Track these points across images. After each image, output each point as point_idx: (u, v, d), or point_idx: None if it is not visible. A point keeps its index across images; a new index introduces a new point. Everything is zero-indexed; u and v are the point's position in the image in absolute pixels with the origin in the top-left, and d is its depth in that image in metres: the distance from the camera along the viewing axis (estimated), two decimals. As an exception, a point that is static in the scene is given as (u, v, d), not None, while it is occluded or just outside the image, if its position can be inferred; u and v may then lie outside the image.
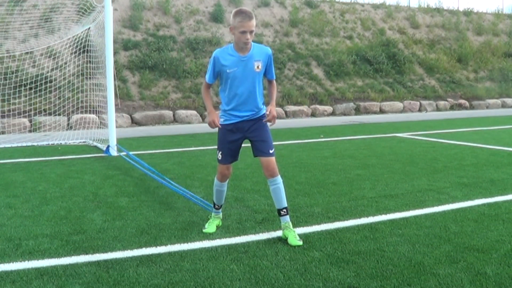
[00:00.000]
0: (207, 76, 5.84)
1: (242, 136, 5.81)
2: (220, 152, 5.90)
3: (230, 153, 5.89)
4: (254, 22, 5.49)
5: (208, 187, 8.22)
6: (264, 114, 5.77)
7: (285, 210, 5.70)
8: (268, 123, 5.79)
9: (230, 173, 6.04)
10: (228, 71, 5.61)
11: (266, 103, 5.85)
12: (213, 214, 6.24)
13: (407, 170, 9.68)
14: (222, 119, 5.84)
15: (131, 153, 11.28)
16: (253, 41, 5.64)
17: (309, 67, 27.05)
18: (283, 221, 5.68)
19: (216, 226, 6.09)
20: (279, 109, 22.99)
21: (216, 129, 5.89)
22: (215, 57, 5.65)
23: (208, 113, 5.93)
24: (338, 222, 6.32)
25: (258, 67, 5.63)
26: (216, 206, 6.19)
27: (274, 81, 6.00)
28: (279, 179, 5.71)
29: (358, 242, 5.52)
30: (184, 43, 25.55)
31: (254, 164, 9.87)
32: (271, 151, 5.73)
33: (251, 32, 5.44)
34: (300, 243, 5.43)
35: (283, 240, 5.60)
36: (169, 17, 26.76)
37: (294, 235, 5.53)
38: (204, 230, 5.99)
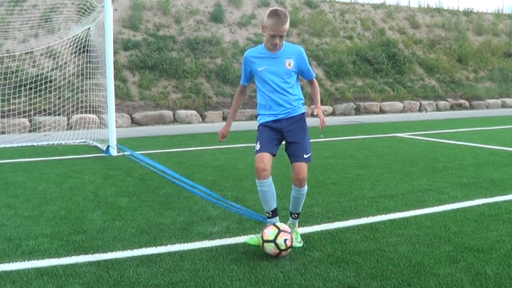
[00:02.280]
0: (241, 78, 5.71)
1: (280, 136, 5.48)
2: (259, 142, 5.40)
3: (268, 141, 5.40)
4: (287, 26, 5.25)
5: (208, 187, 8.23)
6: (304, 113, 5.54)
7: (297, 214, 5.63)
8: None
9: (266, 167, 5.28)
10: (259, 69, 5.42)
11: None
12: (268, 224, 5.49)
13: (407, 170, 9.69)
14: (260, 121, 5.58)
15: (133, 152, 11.28)
16: (285, 41, 5.46)
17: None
18: (291, 221, 5.62)
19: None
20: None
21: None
22: (245, 57, 5.52)
23: (227, 120, 5.87)
24: (338, 222, 6.32)
25: (289, 64, 5.39)
26: (267, 214, 5.47)
27: (315, 80, 5.79)
28: (305, 189, 5.46)
29: (358, 242, 5.51)
30: (184, 43, 25.55)
31: (254, 164, 9.84)
32: (305, 156, 5.38)
33: (281, 36, 5.25)
34: (300, 245, 5.38)
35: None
36: (169, 17, 26.75)
37: (296, 236, 5.45)
38: (247, 240, 5.40)
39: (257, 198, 7.48)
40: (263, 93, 5.49)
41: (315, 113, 5.53)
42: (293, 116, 5.46)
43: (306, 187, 5.46)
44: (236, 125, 18.57)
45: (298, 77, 5.60)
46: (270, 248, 4.97)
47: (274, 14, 5.22)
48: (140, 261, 5.04)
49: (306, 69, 5.57)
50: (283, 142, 5.54)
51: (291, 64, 5.41)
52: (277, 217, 5.45)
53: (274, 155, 5.42)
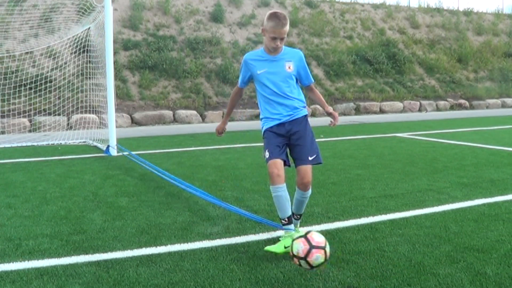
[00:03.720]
0: (239, 81, 5.69)
1: (285, 141, 5.43)
2: (267, 150, 5.34)
3: (277, 148, 5.33)
4: (287, 28, 5.24)
5: (208, 187, 8.24)
6: (306, 115, 5.51)
7: (299, 216, 5.65)
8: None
9: (280, 173, 5.23)
10: (258, 72, 5.39)
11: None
12: (284, 232, 5.36)
13: (407, 170, 9.69)
14: (264, 127, 5.52)
15: (132, 152, 11.28)
16: (284, 45, 5.44)
17: (309, 67, 26.99)
18: (293, 222, 5.49)
19: (284, 247, 5.08)
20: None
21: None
22: (245, 60, 5.49)
23: (223, 118, 5.95)
24: (338, 222, 6.32)
25: (289, 67, 5.38)
26: (283, 221, 5.29)
27: (313, 86, 5.71)
28: (309, 193, 5.43)
29: (358, 242, 5.52)
30: (184, 43, 25.55)
31: (254, 164, 9.88)
32: (310, 158, 5.36)
33: (282, 39, 5.23)
34: (279, 251, 5.08)
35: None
36: (169, 17, 26.76)
37: (282, 243, 5.14)
38: (265, 248, 5.21)
39: (257, 198, 7.51)
40: (264, 97, 5.46)
41: (329, 111, 5.57)
42: (296, 118, 5.42)
43: (310, 190, 5.43)
44: (236, 125, 18.61)
45: (298, 81, 5.57)
46: (304, 264, 4.56)
47: (274, 16, 5.20)
48: (140, 261, 5.04)
49: (304, 74, 5.53)
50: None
51: (291, 67, 5.39)
52: (292, 224, 5.32)
53: (285, 162, 5.35)
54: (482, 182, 8.52)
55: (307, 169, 5.33)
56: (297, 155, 5.39)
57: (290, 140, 5.41)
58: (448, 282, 4.44)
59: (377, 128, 18.03)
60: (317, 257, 4.48)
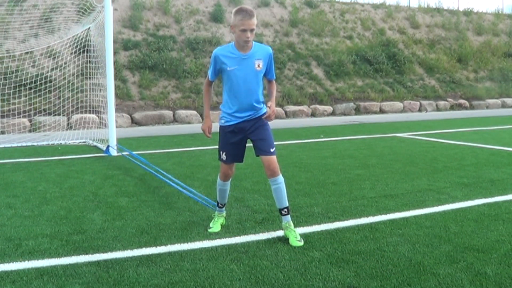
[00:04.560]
0: (209, 73, 5.82)
1: (244, 136, 5.78)
2: (224, 153, 5.88)
3: (234, 152, 5.87)
4: (255, 20, 5.44)
5: (208, 187, 8.24)
6: (264, 113, 5.70)
7: (286, 209, 5.67)
8: (268, 121, 5.74)
9: (233, 172, 6.07)
10: (228, 69, 5.57)
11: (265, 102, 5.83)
12: (216, 213, 6.24)
13: (407, 170, 9.69)
14: (222, 120, 5.82)
15: (132, 152, 11.28)
16: (254, 41, 5.62)
17: (309, 67, 27.05)
18: (284, 220, 5.67)
19: (221, 225, 6.11)
20: (279, 109, 23.01)
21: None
22: (215, 55, 5.62)
23: (204, 117, 5.96)
24: (338, 222, 6.32)
25: (259, 65, 5.59)
26: (220, 205, 6.20)
27: (274, 81, 5.97)
28: (280, 178, 5.66)
29: (358, 242, 5.52)
30: (184, 43, 25.56)
31: (254, 164, 9.87)
32: (272, 150, 5.67)
33: (251, 30, 5.40)
34: (301, 243, 5.41)
35: (283, 240, 5.61)
36: (169, 17, 26.76)
37: (295, 235, 5.52)
38: (209, 230, 5.99)
39: (257, 198, 7.52)
40: (230, 93, 5.69)
41: (268, 105, 5.68)
42: (256, 117, 5.72)
43: (281, 176, 5.71)
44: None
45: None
46: None
47: (241, 10, 5.46)
48: (140, 261, 5.04)
49: (270, 70, 5.79)
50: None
51: (260, 65, 5.62)
52: (224, 208, 6.29)
53: (238, 160, 5.98)
54: (482, 182, 8.52)
55: (270, 158, 5.66)
56: (260, 147, 5.71)
57: (250, 136, 5.76)
58: (448, 282, 4.44)
59: (377, 128, 18.02)
60: None
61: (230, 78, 5.62)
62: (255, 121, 5.73)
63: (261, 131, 5.72)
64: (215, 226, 6.06)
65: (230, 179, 6.12)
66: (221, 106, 5.88)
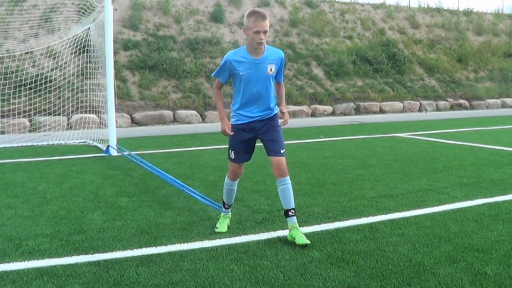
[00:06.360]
0: (218, 75, 5.80)
1: (254, 135, 5.81)
2: (233, 151, 5.89)
3: (244, 151, 5.90)
4: (268, 22, 5.48)
5: (209, 187, 8.25)
6: (276, 114, 5.80)
7: (293, 211, 5.65)
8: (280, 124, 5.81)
9: (242, 172, 6.07)
10: (241, 73, 5.59)
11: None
12: (222, 214, 6.24)
13: (407, 170, 9.69)
14: (233, 119, 5.84)
15: (132, 152, 11.28)
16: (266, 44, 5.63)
17: (309, 67, 27.06)
18: (290, 221, 5.62)
19: (227, 226, 6.09)
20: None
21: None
22: (227, 60, 5.61)
23: (220, 119, 5.90)
24: (338, 222, 6.32)
25: (271, 69, 5.64)
26: (226, 206, 6.19)
27: (283, 83, 6.01)
28: (288, 179, 5.68)
29: (358, 242, 5.52)
30: (184, 43, 25.56)
31: (254, 164, 9.87)
32: (282, 151, 5.71)
33: (265, 32, 5.43)
34: (308, 241, 5.39)
35: (283, 240, 5.61)
36: (169, 17, 26.76)
37: (301, 235, 5.47)
38: (216, 230, 5.98)
39: (257, 198, 7.52)
40: (242, 93, 5.70)
41: (281, 113, 5.85)
42: (269, 117, 5.79)
43: (288, 177, 5.73)
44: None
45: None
46: None
47: (254, 12, 5.52)
48: (140, 261, 5.04)
49: (280, 73, 5.83)
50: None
51: (273, 70, 5.67)
52: (230, 209, 6.27)
53: (246, 160, 6.01)
54: (482, 182, 8.52)
55: (280, 159, 5.70)
56: (270, 147, 5.74)
57: (260, 136, 5.79)
58: (448, 282, 4.44)
59: (377, 128, 18.02)
60: None
61: (242, 81, 5.64)
62: (267, 122, 5.77)
63: (273, 132, 5.76)
64: (222, 226, 6.05)
65: (239, 179, 6.13)
66: (231, 106, 5.90)
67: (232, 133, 5.80)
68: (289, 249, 5.32)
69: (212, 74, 5.96)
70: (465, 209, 6.85)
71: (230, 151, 5.90)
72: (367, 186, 8.32)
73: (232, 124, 5.84)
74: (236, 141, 5.84)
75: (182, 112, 21.84)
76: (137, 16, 25.60)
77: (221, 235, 5.85)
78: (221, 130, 5.86)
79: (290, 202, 5.66)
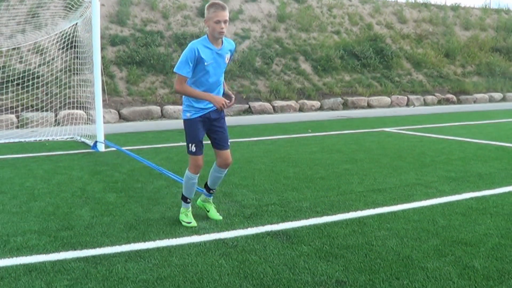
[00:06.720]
0: (183, 70, 5.66)
1: (209, 127, 6.01)
2: (193, 145, 5.96)
3: (202, 143, 6.02)
4: (227, 12, 5.73)
5: (197, 183, 8.23)
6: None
7: (214, 190, 6.40)
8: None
9: (201, 166, 6.19)
10: (206, 63, 5.67)
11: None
12: (184, 208, 6.25)
13: (395, 164, 9.72)
14: (189, 114, 5.89)
15: (121, 148, 11.25)
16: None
17: (297, 62, 27.05)
18: (210, 197, 6.41)
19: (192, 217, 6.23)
20: (267, 104, 23.02)
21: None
22: (194, 48, 5.63)
23: (208, 98, 5.67)
24: (327, 217, 6.34)
25: (227, 59, 5.89)
26: (188, 200, 6.24)
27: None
28: (227, 170, 6.28)
29: (346, 237, 5.53)
30: (171, 39, 25.49)
31: (242, 159, 9.88)
32: (229, 143, 6.18)
33: (225, 21, 5.63)
34: (220, 217, 6.12)
35: (271, 234, 5.62)
36: (156, 12, 26.68)
37: (216, 211, 6.27)
38: (189, 225, 6.03)
39: (246, 193, 7.52)
40: (201, 86, 5.76)
41: (231, 95, 6.00)
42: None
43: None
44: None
45: None
46: None
47: (213, 3, 5.86)
48: (129, 256, 5.03)
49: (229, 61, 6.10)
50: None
51: (228, 59, 5.91)
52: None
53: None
54: (469, 176, 8.56)
55: (228, 152, 6.14)
56: (221, 140, 6.08)
57: (213, 127, 5.97)
58: (436, 276, 4.46)
59: (365, 123, 18.05)
60: None
61: (203, 72, 5.71)
62: (219, 113, 5.97)
63: (223, 124, 6.11)
64: (192, 219, 6.12)
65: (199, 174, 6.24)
66: (184, 99, 5.91)
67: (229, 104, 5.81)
68: (277, 243, 5.33)
69: (175, 69, 5.74)
70: (453, 203, 6.89)
71: (190, 144, 5.96)
72: (355, 181, 8.34)
73: (187, 120, 5.91)
74: (195, 135, 5.91)
75: (169, 108, 21.80)
76: (125, 12, 25.51)
77: (209, 230, 5.85)
78: (217, 106, 5.67)
79: (216, 185, 6.40)
